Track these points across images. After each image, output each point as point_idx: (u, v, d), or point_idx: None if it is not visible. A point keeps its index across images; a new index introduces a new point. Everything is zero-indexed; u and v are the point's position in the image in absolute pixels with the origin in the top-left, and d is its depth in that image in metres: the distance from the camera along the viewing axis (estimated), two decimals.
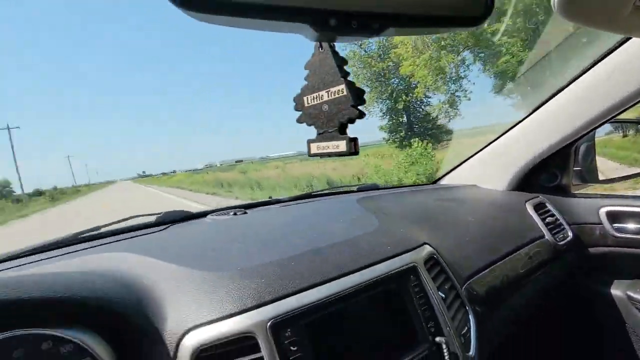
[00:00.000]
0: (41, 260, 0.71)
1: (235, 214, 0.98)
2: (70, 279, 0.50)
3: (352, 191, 1.34)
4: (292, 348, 0.49)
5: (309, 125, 0.40)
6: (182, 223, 0.96)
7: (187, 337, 0.48)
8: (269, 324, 0.49)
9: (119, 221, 0.95)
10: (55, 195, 35.77)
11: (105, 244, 0.80)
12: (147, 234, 0.87)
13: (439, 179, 1.56)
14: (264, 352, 0.47)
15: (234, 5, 0.28)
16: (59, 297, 0.45)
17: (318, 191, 1.34)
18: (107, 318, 0.48)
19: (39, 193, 53.07)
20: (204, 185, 18.95)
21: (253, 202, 1.20)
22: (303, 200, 1.21)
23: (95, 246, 0.78)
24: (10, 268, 0.68)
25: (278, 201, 1.18)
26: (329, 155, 0.38)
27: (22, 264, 0.70)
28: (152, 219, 0.97)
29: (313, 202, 1.19)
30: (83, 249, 0.76)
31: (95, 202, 20.14)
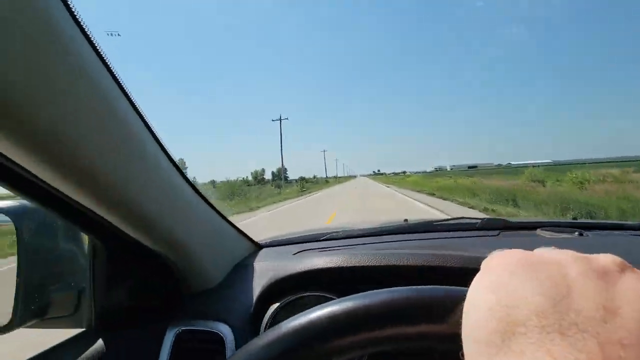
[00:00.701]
0: (404, 241, 0.88)
1: (581, 234, 0.83)
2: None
3: None
4: None
5: None
6: (512, 232, 0.92)
7: None
8: None
9: (449, 219, 1.07)
10: (305, 185, 37.32)
11: (443, 237, 0.89)
12: (480, 236, 0.89)
13: None
14: None
15: None
16: None
17: None
18: None
19: (303, 179, 60.65)
20: (466, 195, 11.86)
21: (589, 221, 1.07)
22: None
23: (435, 238, 0.90)
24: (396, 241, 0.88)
25: (622, 226, 0.95)
26: None
27: (395, 241, 0.88)
28: (476, 222, 0.97)
29: None
30: (432, 238, 0.90)
31: (332, 199, 16.56)
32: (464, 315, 0.18)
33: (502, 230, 0.91)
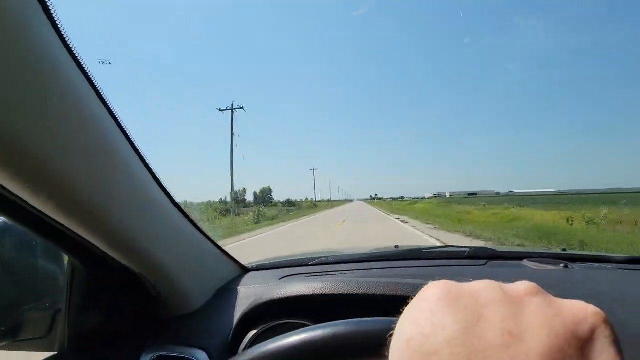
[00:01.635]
0: (382, 268, 0.91)
1: (566, 266, 0.85)
2: None
3: None
4: None
5: None
6: (499, 262, 0.94)
7: None
8: None
9: (438, 247, 1.12)
10: (270, 214, 23.08)
11: (431, 266, 0.93)
12: (467, 265, 0.93)
13: None
14: None
15: None
16: None
17: None
18: None
19: (290, 204, 58.53)
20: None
21: (577, 253, 1.04)
22: None
23: (424, 266, 0.93)
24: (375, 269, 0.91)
25: (609, 259, 0.94)
26: None
27: (383, 267, 0.92)
28: (465, 250, 1.00)
29: None
30: (421, 266, 0.94)
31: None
32: (390, 347, 0.18)
33: (489, 259, 0.94)
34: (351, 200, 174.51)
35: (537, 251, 1.02)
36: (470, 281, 0.19)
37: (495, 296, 0.17)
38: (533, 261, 0.89)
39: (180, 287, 0.65)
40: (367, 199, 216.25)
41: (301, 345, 0.29)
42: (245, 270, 0.92)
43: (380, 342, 0.24)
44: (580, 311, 0.16)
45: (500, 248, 1.12)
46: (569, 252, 1.03)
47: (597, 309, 0.16)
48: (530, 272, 0.83)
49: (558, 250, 1.05)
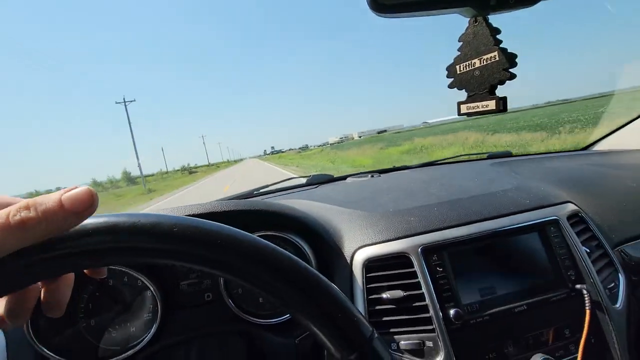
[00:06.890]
0: None
1: (372, 176, 1.44)
2: (295, 210, 0.86)
3: (483, 158, 1.63)
4: (438, 269, 0.70)
5: (460, 89, 0.49)
6: (328, 184, 1.46)
7: (358, 252, 0.76)
8: (420, 248, 0.71)
9: (281, 181, 1.48)
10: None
11: (278, 196, 1.29)
12: (303, 190, 1.35)
13: (591, 144, 1.68)
14: (416, 268, 0.70)
15: (415, 5, 0.42)
16: (299, 217, 0.83)
17: (446, 158, 1.68)
18: (312, 234, 0.83)
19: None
20: None
21: (383, 169, 1.61)
22: (433, 167, 1.59)
23: (271, 197, 1.26)
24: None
25: (407, 167, 1.62)
26: (479, 114, 0.47)
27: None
28: (303, 180, 1.51)
29: (443, 166, 1.53)
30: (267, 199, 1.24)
31: None
32: None
33: (322, 184, 1.46)
34: (242, 159, 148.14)
35: (358, 172, 1.54)
36: None
37: None
38: (353, 177, 1.45)
39: None
40: (260, 155, 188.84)
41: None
42: None
43: None
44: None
45: (332, 176, 1.57)
46: (383, 169, 1.58)
47: (92, 190, 0.27)
48: (349, 183, 1.37)
49: (377, 170, 1.58)
